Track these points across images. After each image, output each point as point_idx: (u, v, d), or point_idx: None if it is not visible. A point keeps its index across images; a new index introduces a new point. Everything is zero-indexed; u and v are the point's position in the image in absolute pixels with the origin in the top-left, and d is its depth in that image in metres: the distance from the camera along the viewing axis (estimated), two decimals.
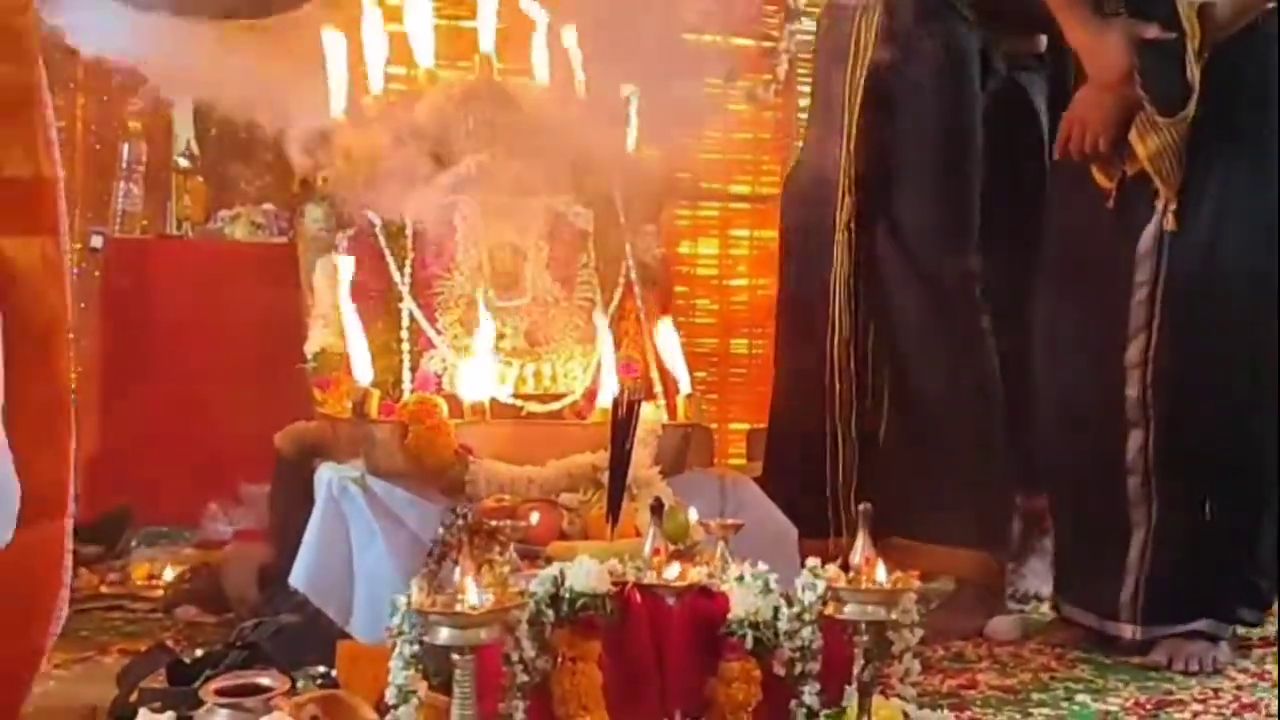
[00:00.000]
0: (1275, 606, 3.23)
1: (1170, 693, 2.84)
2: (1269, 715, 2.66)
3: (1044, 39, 3.71)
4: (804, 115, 5.11)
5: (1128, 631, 3.12)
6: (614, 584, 2.28)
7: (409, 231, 3.20)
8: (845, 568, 2.27)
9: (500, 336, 3.17)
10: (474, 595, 2.05)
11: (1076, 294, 3.23)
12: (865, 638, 2.21)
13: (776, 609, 2.28)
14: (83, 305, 4.40)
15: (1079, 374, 3.21)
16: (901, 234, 3.52)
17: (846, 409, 3.55)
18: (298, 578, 2.80)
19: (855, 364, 3.54)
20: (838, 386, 3.55)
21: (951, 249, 3.53)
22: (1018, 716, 2.66)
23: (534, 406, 3.14)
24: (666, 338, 3.20)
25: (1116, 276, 3.09)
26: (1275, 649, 3.11)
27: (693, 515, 2.72)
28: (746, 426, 5.16)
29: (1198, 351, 3.04)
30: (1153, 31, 3.05)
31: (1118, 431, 3.11)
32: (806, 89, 5.16)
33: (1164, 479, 3.08)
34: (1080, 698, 2.78)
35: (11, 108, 1.62)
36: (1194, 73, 2.98)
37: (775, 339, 3.92)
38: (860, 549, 2.31)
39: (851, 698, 2.15)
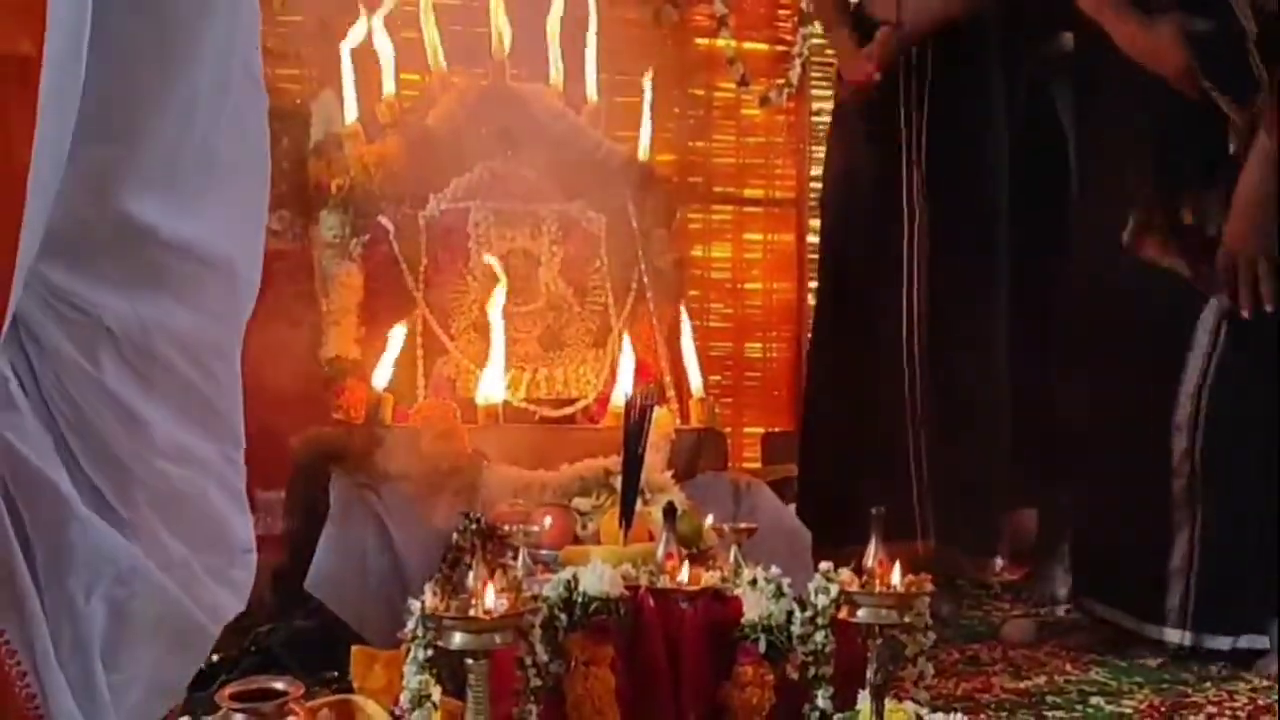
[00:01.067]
0: None
1: (1185, 695, 2.83)
2: None
3: (1070, 37, 3.70)
4: (818, 118, 5.19)
5: (1176, 636, 3.09)
6: (627, 588, 2.29)
7: (423, 238, 3.21)
8: (859, 571, 2.27)
9: (514, 342, 3.18)
10: (488, 600, 2.06)
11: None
12: (878, 641, 2.22)
13: (790, 613, 2.29)
14: None
15: (1126, 379, 3.20)
16: (959, 239, 3.56)
17: (919, 413, 3.55)
18: (313, 583, 2.81)
19: (928, 369, 3.55)
20: (916, 394, 3.54)
21: (989, 255, 3.61)
22: (1031, 719, 2.65)
23: (547, 411, 3.15)
24: (685, 333, 3.22)
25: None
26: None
27: (707, 520, 2.72)
28: (761, 430, 5.16)
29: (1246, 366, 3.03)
30: (1203, 25, 3.02)
31: (1165, 434, 3.10)
32: (820, 92, 5.20)
33: (1210, 482, 3.06)
34: (1095, 700, 2.77)
35: None
36: (1259, 64, 2.94)
37: (815, 341, 3.95)
38: (873, 553, 2.31)
39: (865, 701, 2.15)
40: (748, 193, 5.31)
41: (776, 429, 5.19)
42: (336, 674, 2.68)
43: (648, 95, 3.61)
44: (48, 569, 1.28)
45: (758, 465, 4.87)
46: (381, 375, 2.97)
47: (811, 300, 5.24)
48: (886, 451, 3.54)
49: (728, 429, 5.01)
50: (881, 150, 3.60)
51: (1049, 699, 2.79)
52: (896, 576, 2.23)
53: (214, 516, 1.41)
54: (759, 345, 5.32)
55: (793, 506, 3.35)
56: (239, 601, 1.46)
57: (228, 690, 2.28)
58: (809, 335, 4.91)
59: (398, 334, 3.06)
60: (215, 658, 2.66)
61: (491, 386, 3.02)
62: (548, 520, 2.66)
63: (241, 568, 1.46)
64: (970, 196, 3.58)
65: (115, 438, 1.32)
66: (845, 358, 3.70)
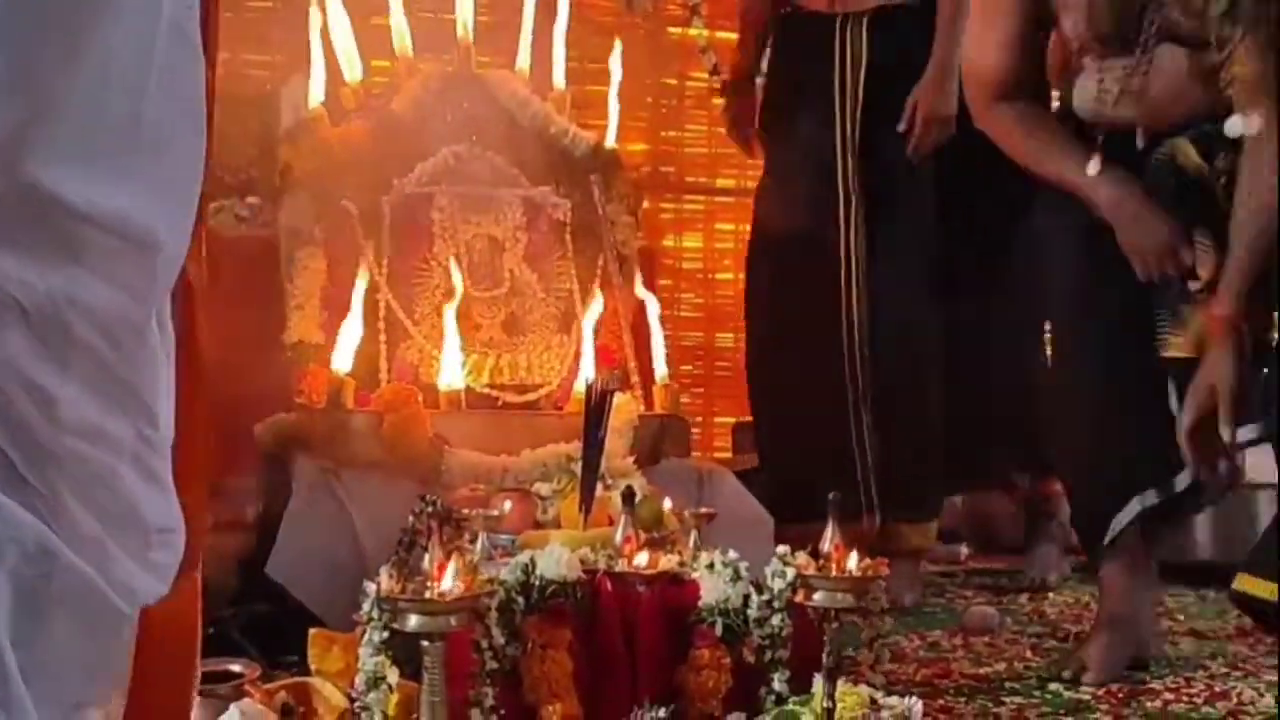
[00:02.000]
0: None
1: (1144, 682, 2.84)
2: (1240, 704, 2.67)
3: None
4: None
5: None
6: (585, 572, 2.29)
7: (386, 222, 3.21)
8: (815, 554, 2.28)
9: (477, 327, 3.19)
10: (443, 582, 2.06)
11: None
12: (834, 625, 2.23)
13: (746, 597, 2.29)
14: None
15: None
16: (897, 229, 3.62)
17: (866, 392, 3.62)
18: (275, 568, 2.81)
19: (871, 349, 3.63)
20: (859, 372, 3.63)
21: (929, 241, 3.67)
22: (989, 704, 2.66)
23: (510, 397, 3.15)
24: (652, 318, 3.23)
25: None
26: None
27: (666, 504, 2.73)
28: (732, 420, 5.16)
29: None
30: None
31: None
32: None
33: None
34: (1053, 686, 2.79)
35: (210, 114, 1.54)
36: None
37: (757, 331, 4.00)
38: (829, 536, 2.31)
39: (819, 684, 2.16)
40: (719, 183, 5.31)
41: (747, 419, 5.19)
42: (297, 658, 2.68)
43: (616, 76, 3.61)
44: None
45: (728, 455, 4.88)
46: (341, 358, 2.96)
47: None
48: (834, 429, 3.62)
49: (698, 418, 5.04)
50: (817, 138, 3.63)
51: (1008, 685, 2.81)
52: (853, 561, 2.24)
53: (127, 496, 1.38)
54: (730, 335, 5.31)
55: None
56: (160, 584, 1.42)
57: None
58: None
59: (355, 309, 3.05)
60: None
61: (450, 378, 3.02)
62: (507, 504, 2.66)
63: (160, 549, 1.42)
64: (907, 184, 3.63)
65: (25, 412, 1.30)
66: (789, 339, 3.75)
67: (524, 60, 3.57)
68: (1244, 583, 2.75)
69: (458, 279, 3.11)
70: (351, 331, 2.98)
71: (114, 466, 1.35)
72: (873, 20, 3.63)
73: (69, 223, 1.29)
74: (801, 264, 3.66)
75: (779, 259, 3.76)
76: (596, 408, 2.63)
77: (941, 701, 2.64)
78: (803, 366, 3.69)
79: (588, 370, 3.08)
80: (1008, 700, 2.69)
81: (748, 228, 5.24)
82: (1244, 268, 2.66)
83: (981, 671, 2.92)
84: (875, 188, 3.62)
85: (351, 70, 3.38)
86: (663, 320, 3.41)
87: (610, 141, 3.53)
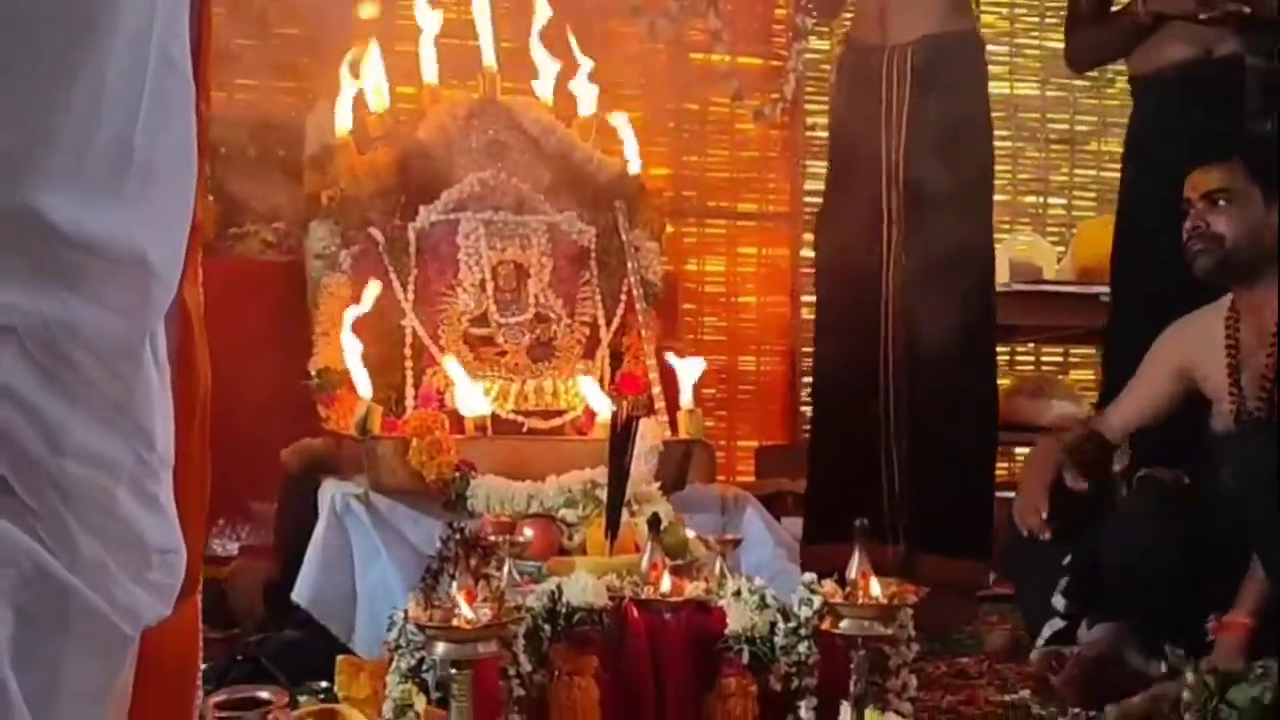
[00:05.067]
0: None
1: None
2: None
3: None
4: (812, 133, 5.23)
5: None
6: (611, 599, 2.29)
7: (412, 249, 3.22)
8: (841, 583, 2.28)
9: (502, 353, 3.20)
10: (469, 610, 2.07)
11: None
12: (861, 652, 2.22)
13: (773, 624, 2.29)
14: None
15: None
16: (937, 263, 3.65)
17: (900, 426, 3.67)
18: (301, 593, 2.82)
19: (908, 382, 3.68)
20: (892, 404, 3.68)
21: (978, 277, 3.74)
22: None
23: (535, 423, 3.15)
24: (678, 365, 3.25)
25: None
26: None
27: (690, 531, 2.73)
28: (755, 444, 5.17)
29: None
30: None
31: None
32: (813, 108, 5.22)
33: None
34: (1075, 710, 2.77)
35: (202, 145, 1.54)
36: None
37: (816, 361, 4.08)
38: (856, 564, 2.32)
39: (847, 712, 2.15)
40: (741, 207, 5.33)
41: (770, 442, 5.19)
42: (325, 684, 2.68)
43: (623, 121, 3.65)
44: None
45: (751, 479, 4.88)
46: (367, 386, 2.97)
47: (805, 314, 5.29)
48: (870, 458, 3.68)
49: (721, 442, 5.04)
50: (867, 167, 3.70)
51: (1034, 711, 2.79)
52: (878, 588, 2.24)
53: (126, 519, 1.38)
54: (752, 359, 5.33)
55: (783, 520, 3.36)
56: (162, 605, 1.42)
57: (213, 699, 2.31)
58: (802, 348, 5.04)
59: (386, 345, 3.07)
60: (205, 667, 2.66)
61: (478, 399, 3.04)
62: (530, 532, 2.67)
63: (160, 569, 1.42)
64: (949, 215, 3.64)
65: (23, 437, 1.30)
66: (835, 367, 3.82)
67: (546, 88, 3.59)
68: None
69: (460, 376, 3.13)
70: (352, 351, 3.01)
71: (112, 489, 1.35)
72: (918, 50, 3.67)
73: (61, 248, 1.29)
74: (849, 290, 3.72)
75: (832, 283, 3.87)
76: (622, 434, 2.64)
77: None
78: (844, 392, 3.75)
79: (600, 399, 3.08)
80: None
81: (769, 251, 5.29)
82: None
83: (1007, 699, 2.90)
84: (917, 218, 3.66)
85: (379, 98, 3.40)
86: (685, 346, 3.43)
87: (634, 168, 3.54)
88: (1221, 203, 3.05)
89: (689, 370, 3.16)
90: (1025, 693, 2.91)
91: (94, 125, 1.31)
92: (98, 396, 1.35)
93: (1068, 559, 2.97)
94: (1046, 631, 3.01)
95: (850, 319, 3.73)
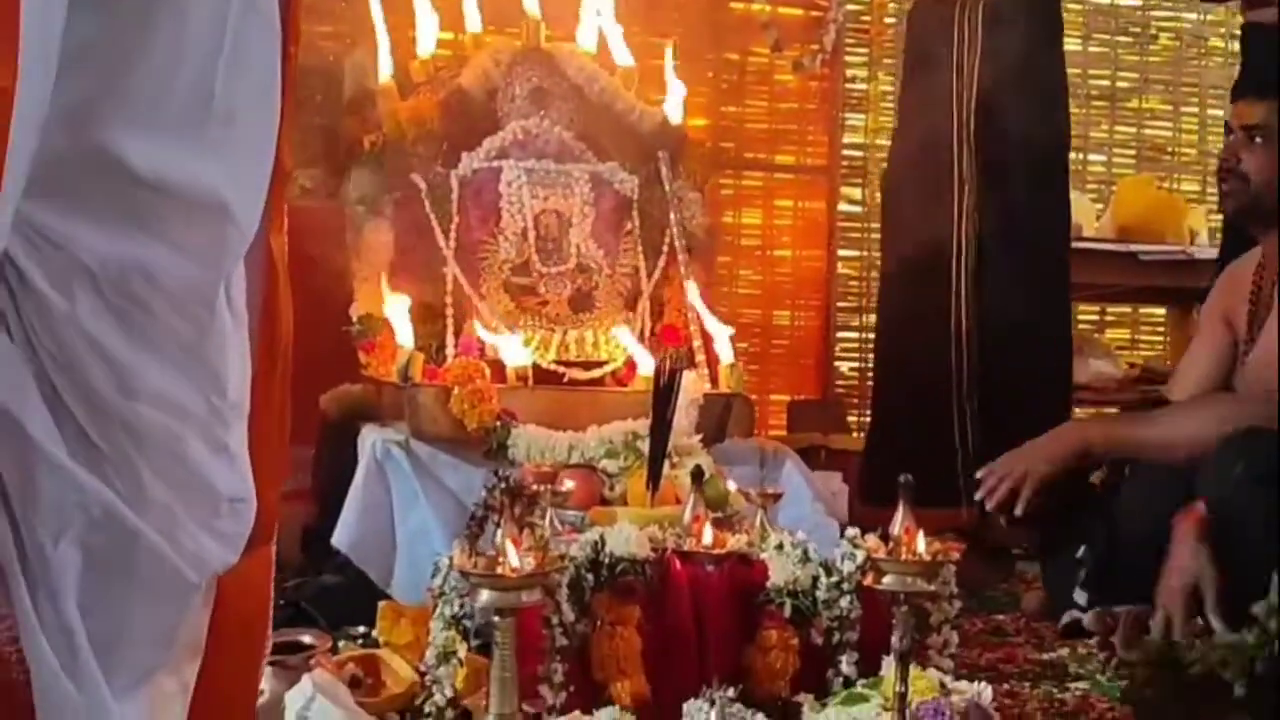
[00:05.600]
0: None
1: None
2: None
3: None
4: (852, 85, 5.19)
5: None
6: (654, 550, 2.29)
7: (454, 197, 3.21)
8: (885, 538, 2.27)
9: (543, 303, 3.19)
10: (515, 558, 2.07)
11: None
12: (904, 609, 2.22)
13: (815, 578, 2.29)
14: None
15: None
16: (1014, 219, 3.62)
17: (972, 385, 3.64)
18: (340, 539, 2.83)
19: (979, 343, 3.64)
20: (965, 364, 3.64)
21: (1054, 236, 3.72)
22: (1054, 690, 2.65)
23: (576, 373, 3.15)
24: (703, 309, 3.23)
25: None
26: None
27: (731, 484, 2.73)
28: (787, 398, 5.16)
29: None
30: None
31: None
32: (853, 59, 5.18)
33: None
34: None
35: (290, 89, 1.47)
36: None
37: (881, 316, 4.04)
38: (900, 520, 2.31)
39: (889, 668, 2.15)
40: (779, 159, 5.29)
41: (802, 397, 5.18)
42: (363, 628, 2.69)
43: (669, 59, 3.61)
44: (20, 513, 1.26)
45: (783, 433, 4.87)
46: (409, 334, 2.97)
47: (842, 269, 5.26)
48: (939, 418, 3.63)
49: (753, 396, 5.01)
50: (938, 125, 3.66)
51: (1072, 670, 2.79)
52: (922, 544, 2.24)
53: (194, 465, 1.37)
54: (787, 313, 5.30)
55: (819, 474, 3.35)
56: (230, 553, 1.42)
57: None
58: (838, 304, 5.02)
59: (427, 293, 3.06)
60: None
61: (515, 354, 3.03)
62: (571, 482, 2.67)
63: (229, 517, 1.42)
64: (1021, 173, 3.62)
65: (95, 377, 1.30)
66: (903, 321, 3.80)
67: (588, 36, 3.56)
68: None
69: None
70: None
71: (182, 435, 1.35)
72: (989, 5, 3.64)
73: (138, 190, 1.29)
74: (918, 249, 3.68)
75: (899, 241, 3.82)
76: (666, 386, 2.63)
77: (1006, 686, 2.63)
78: (912, 352, 3.72)
79: (637, 354, 3.07)
80: (1072, 686, 2.68)
81: (806, 204, 5.26)
82: None
83: (1045, 657, 2.90)
84: (990, 174, 3.62)
85: (423, 43, 3.38)
86: (719, 299, 3.40)
87: (676, 118, 3.51)
88: (1258, 139, 2.98)
89: (719, 335, 3.16)
90: (1064, 651, 2.91)
91: (174, 69, 1.29)
92: (171, 341, 1.34)
93: (1081, 551, 2.91)
94: (1066, 618, 2.97)
95: (920, 274, 3.66)
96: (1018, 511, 2.97)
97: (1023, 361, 3.63)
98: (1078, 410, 5.40)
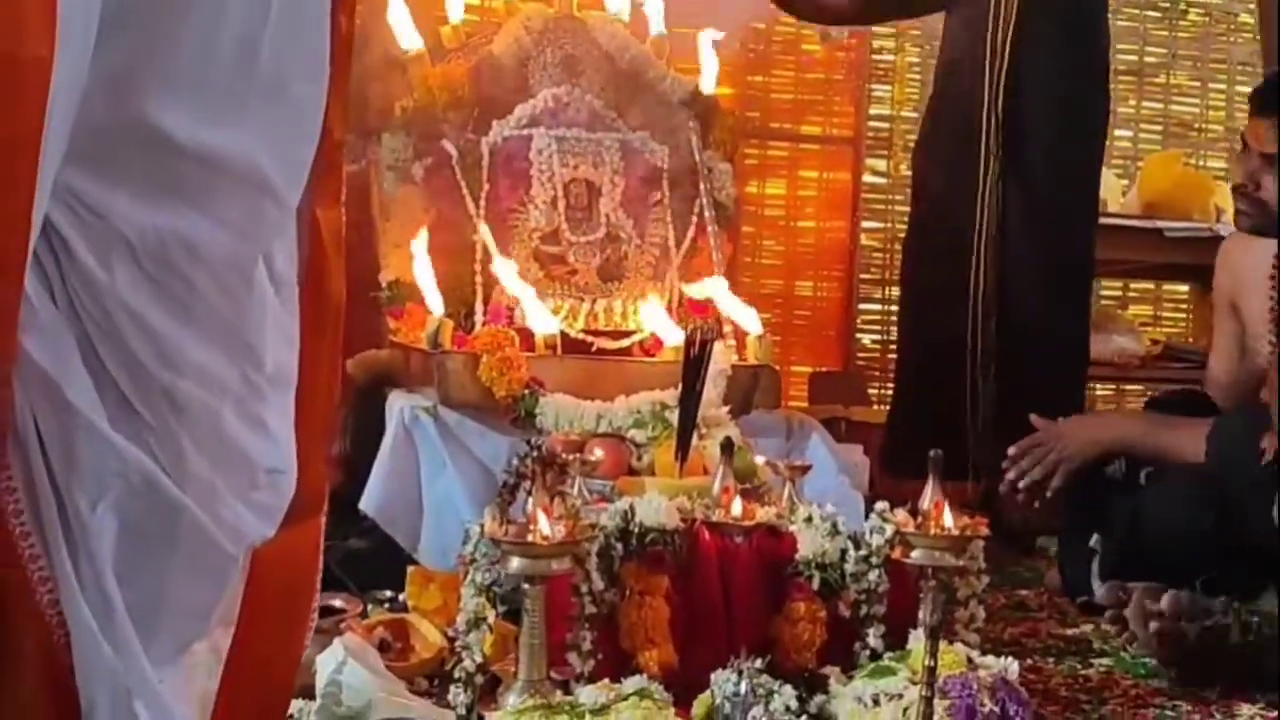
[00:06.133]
0: None
1: None
2: None
3: None
4: (879, 57, 5.17)
5: None
6: (683, 520, 2.30)
7: (485, 164, 3.21)
8: (914, 512, 2.28)
9: (573, 272, 3.19)
10: (546, 526, 2.08)
11: None
12: (932, 583, 2.23)
13: (844, 551, 2.30)
14: None
15: None
16: (1036, 192, 3.63)
17: (987, 359, 3.64)
18: (368, 503, 2.84)
19: (995, 318, 3.64)
20: (980, 338, 3.64)
21: (1079, 209, 3.72)
22: (1078, 666, 2.66)
23: (604, 343, 3.15)
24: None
25: None
26: None
27: (759, 457, 2.73)
28: (809, 369, 5.15)
29: None
30: None
31: None
32: (881, 30, 5.15)
33: None
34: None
35: (341, 60, 1.46)
36: None
37: (904, 292, 4.04)
38: (929, 494, 2.31)
39: (916, 641, 2.16)
40: (805, 130, 5.26)
41: (824, 368, 5.18)
42: (390, 593, 2.71)
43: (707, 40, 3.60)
44: (60, 478, 1.26)
45: (805, 405, 4.87)
46: (439, 300, 2.98)
47: (865, 240, 5.25)
48: (954, 392, 3.64)
49: (775, 367, 5.01)
50: (969, 91, 3.65)
51: (1095, 646, 2.80)
52: (950, 519, 2.24)
53: (231, 438, 1.37)
54: (810, 284, 5.28)
55: (844, 446, 3.35)
56: (267, 525, 1.42)
57: None
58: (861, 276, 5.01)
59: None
60: None
61: (544, 323, 3.04)
62: (599, 451, 2.68)
63: (267, 490, 1.42)
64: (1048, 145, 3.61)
65: (135, 346, 1.29)
66: (921, 296, 3.83)
67: (619, 3, 3.55)
68: None
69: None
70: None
71: (218, 408, 1.35)
72: None
73: (177, 160, 1.28)
74: (941, 219, 3.71)
75: (923, 210, 3.86)
76: (696, 357, 2.64)
77: (1030, 661, 2.63)
78: (931, 323, 3.74)
79: (663, 329, 3.07)
80: (1096, 663, 2.69)
81: (831, 175, 5.24)
82: None
83: (1069, 633, 2.91)
84: (1017, 146, 3.62)
85: (454, 9, 3.37)
86: (743, 269, 3.40)
87: (708, 88, 3.50)
88: None
89: (743, 316, 3.17)
90: (1087, 628, 2.92)
91: (216, 37, 1.28)
92: (208, 313, 1.34)
93: (1094, 539, 2.91)
94: (1081, 599, 2.99)
95: (942, 245, 3.69)
96: (1045, 496, 2.98)
97: (1038, 338, 3.63)
98: (1098, 387, 5.43)
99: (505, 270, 3.08)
